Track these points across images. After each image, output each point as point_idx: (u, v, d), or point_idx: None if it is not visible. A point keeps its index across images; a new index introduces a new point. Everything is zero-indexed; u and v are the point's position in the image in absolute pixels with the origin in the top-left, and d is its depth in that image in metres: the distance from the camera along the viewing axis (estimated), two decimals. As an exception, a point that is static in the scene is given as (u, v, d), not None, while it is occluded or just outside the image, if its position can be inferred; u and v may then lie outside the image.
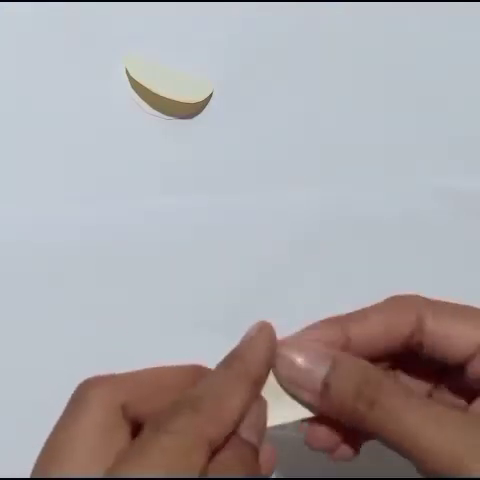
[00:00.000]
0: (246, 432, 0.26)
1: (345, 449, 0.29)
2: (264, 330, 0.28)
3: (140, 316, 0.40)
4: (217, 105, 0.42)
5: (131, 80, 0.41)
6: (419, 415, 0.25)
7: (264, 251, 0.41)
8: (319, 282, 0.42)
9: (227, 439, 0.25)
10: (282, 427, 0.28)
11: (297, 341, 0.28)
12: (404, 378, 0.31)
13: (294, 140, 0.42)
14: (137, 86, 0.41)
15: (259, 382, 0.27)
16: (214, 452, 0.24)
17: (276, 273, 0.41)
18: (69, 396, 0.26)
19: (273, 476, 0.38)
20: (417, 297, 0.30)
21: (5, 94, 0.40)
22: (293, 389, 0.28)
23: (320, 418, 0.28)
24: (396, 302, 0.30)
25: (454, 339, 0.28)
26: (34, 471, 0.24)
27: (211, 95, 0.41)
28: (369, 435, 0.27)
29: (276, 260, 0.41)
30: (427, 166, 0.43)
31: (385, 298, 0.30)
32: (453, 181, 0.43)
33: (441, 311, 0.29)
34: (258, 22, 0.42)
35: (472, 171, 0.43)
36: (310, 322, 0.30)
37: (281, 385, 0.28)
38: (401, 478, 0.30)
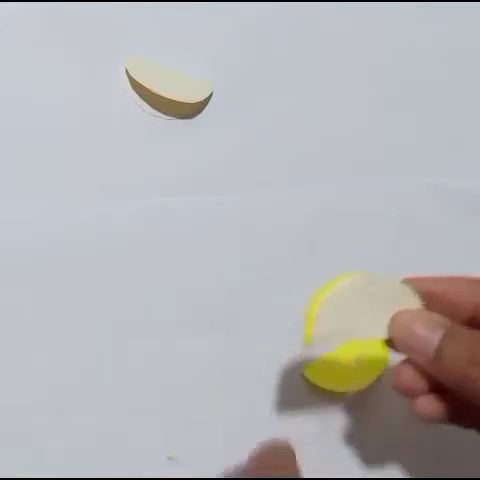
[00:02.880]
0: None
1: (430, 401, 0.30)
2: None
3: (140, 316, 0.40)
4: (217, 105, 0.42)
5: (131, 80, 0.41)
6: None
7: (264, 251, 0.41)
8: (319, 282, 0.42)
9: None
10: None
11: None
12: None
13: (294, 140, 0.42)
14: (137, 86, 0.41)
15: None
16: None
17: (276, 273, 0.41)
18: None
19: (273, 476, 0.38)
20: None
21: (5, 94, 0.40)
22: (407, 352, 0.30)
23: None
24: None
25: None
26: None
27: (211, 95, 0.41)
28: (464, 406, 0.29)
29: (276, 260, 0.41)
30: (427, 166, 0.43)
31: None
32: (453, 181, 0.43)
33: None
34: (258, 22, 0.42)
35: (472, 171, 0.43)
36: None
37: (396, 346, 0.30)
38: (401, 478, 0.30)
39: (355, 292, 0.31)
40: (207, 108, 0.42)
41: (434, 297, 0.31)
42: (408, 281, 0.31)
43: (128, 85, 0.41)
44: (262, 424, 0.39)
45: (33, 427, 0.38)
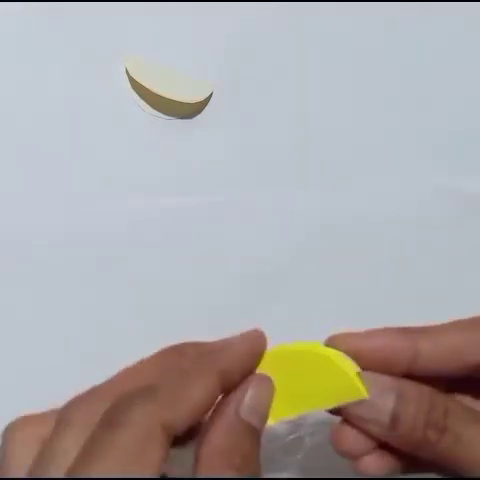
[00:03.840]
0: (246, 413, 0.26)
1: (375, 459, 0.28)
2: (248, 333, 0.28)
3: (140, 316, 0.40)
4: (217, 105, 0.42)
5: (131, 80, 0.41)
6: None
7: (264, 251, 0.41)
8: (319, 282, 0.42)
9: (190, 427, 0.24)
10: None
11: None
12: (460, 398, 0.29)
13: (294, 140, 0.42)
14: (137, 86, 0.41)
15: (228, 373, 0.26)
16: (182, 436, 0.24)
17: (276, 273, 0.41)
18: (67, 395, 0.26)
19: (277, 476, 0.38)
20: None
21: (5, 94, 0.40)
22: (360, 424, 0.27)
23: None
24: (475, 321, 0.28)
25: None
26: None
27: (211, 95, 0.41)
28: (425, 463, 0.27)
29: (276, 260, 0.41)
30: (427, 166, 0.43)
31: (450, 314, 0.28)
32: (453, 181, 0.43)
33: None
34: (258, 22, 0.42)
35: (472, 171, 0.43)
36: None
37: (346, 417, 0.27)
38: (401, 478, 0.29)
39: (289, 367, 0.28)
40: (207, 108, 0.42)
41: (365, 355, 0.27)
42: (333, 341, 0.28)
43: (128, 85, 0.41)
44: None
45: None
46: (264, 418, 0.27)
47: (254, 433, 0.26)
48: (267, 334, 0.29)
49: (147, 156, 0.41)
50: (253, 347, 0.27)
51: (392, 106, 0.43)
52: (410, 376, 0.27)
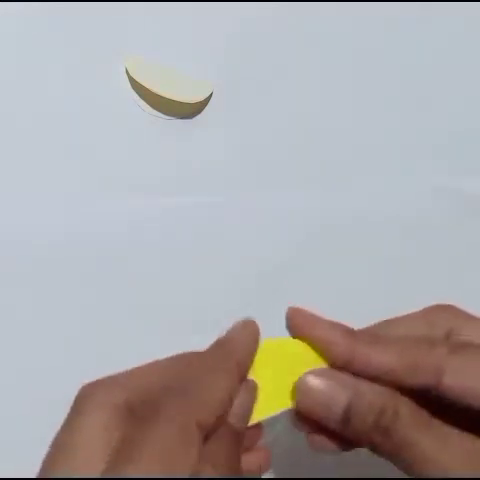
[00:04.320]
0: (232, 417, 0.26)
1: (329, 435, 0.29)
2: (248, 324, 0.28)
3: (140, 316, 0.40)
4: (217, 105, 0.42)
5: (131, 80, 0.41)
6: (432, 443, 0.26)
7: (264, 251, 0.41)
8: (319, 282, 0.42)
9: (218, 424, 0.25)
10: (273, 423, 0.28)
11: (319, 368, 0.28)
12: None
13: (294, 140, 0.42)
14: (137, 86, 0.41)
15: (243, 366, 0.27)
16: (206, 437, 0.24)
17: (276, 273, 0.41)
18: (67, 395, 0.26)
19: (271, 476, 0.39)
20: (440, 348, 0.27)
21: (5, 94, 0.40)
22: (314, 416, 0.28)
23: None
24: (417, 344, 0.28)
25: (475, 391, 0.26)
26: (40, 472, 0.24)
27: (211, 95, 0.41)
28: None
29: (276, 260, 0.41)
30: (427, 166, 0.43)
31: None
32: (453, 181, 0.43)
33: (462, 365, 0.27)
34: (258, 22, 0.42)
35: (472, 171, 0.43)
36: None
37: (301, 410, 0.28)
38: (401, 478, 0.29)
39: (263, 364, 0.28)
40: (207, 108, 0.42)
41: (309, 340, 0.28)
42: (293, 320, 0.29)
43: (128, 85, 0.41)
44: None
45: (33, 427, 0.38)
46: (247, 422, 0.27)
47: (238, 436, 0.26)
48: (267, 334, 0.29)
49: (147, 156, 0.41)
50: (256, 336, 0.28)
51: (392, 106, 0.43)
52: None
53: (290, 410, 0.28)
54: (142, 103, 0.41)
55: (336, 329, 0.28)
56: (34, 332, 0.39)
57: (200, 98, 0.41)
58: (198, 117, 0.42)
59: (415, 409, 0.27)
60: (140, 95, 0.41)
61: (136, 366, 0.26)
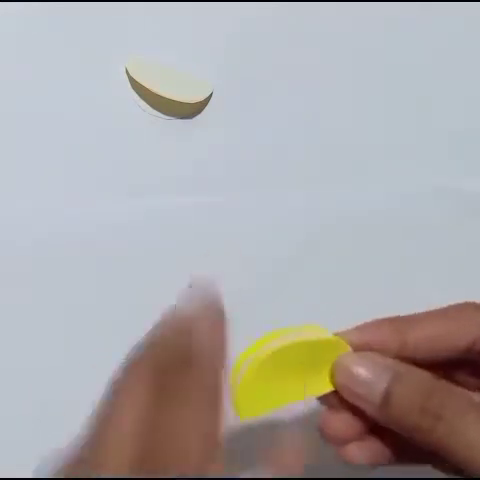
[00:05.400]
0: None
1: (361, 446, 0.28)
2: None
3: (140, 316, 0.40)
4: (217, 105, 0.42)
5: (131, 80, 0.41)
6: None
7: (264, 251, 0.41)
8: (319, 282, 0.42)
9: None
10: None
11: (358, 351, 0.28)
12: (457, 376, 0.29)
13: (294, 140, 0.42)
14: (137, 86, 0.41)
15: None
16: None
17: (276, 273, 0.41)
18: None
19: (271, 476, 0.38)
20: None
21: (5, 94, 0.40)
22: (352, 399, 0.27)
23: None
24: (459, 308, 0.28)
25: None
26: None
27: (211, 95, 0.41)
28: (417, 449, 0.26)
29: (276, 260, 0.41)
30: (427, 166, 0.43)
31: (433, 303, 0.29)
32: (453, 181, 0.43)
33: None
34: (258, 22, 0.42)
35: (472, 171, 0.43)
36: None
37: (340, 392, 0.28)
38: (400, 478, 0.29)
39: (285, 353, 0.28)
40: (207, 108, 0.42)
41: (358, 349, 0.28)
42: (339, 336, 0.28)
43: (128, 85, 0.41)
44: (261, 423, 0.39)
45: (33, 427, 0.38)
46: None
47: None
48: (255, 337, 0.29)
49: (147, 156, 0.41)
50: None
51: (392, 106, 0.43)
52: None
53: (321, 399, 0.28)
54: (142, 103, 0.41)
55: (380, 327, 0.28)
56: (34, 332, 0.39)
57: (200, 98, 0.41)
58: (198, 117, 0.42)
59: (461, 394, 0.27)
60: (140, 95, 0.41)
61: None
